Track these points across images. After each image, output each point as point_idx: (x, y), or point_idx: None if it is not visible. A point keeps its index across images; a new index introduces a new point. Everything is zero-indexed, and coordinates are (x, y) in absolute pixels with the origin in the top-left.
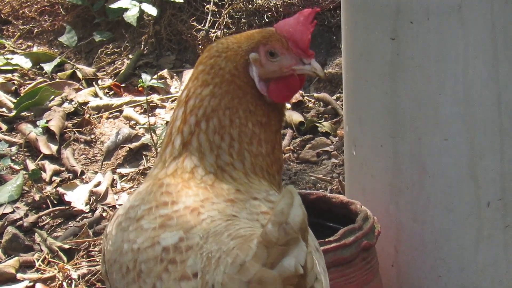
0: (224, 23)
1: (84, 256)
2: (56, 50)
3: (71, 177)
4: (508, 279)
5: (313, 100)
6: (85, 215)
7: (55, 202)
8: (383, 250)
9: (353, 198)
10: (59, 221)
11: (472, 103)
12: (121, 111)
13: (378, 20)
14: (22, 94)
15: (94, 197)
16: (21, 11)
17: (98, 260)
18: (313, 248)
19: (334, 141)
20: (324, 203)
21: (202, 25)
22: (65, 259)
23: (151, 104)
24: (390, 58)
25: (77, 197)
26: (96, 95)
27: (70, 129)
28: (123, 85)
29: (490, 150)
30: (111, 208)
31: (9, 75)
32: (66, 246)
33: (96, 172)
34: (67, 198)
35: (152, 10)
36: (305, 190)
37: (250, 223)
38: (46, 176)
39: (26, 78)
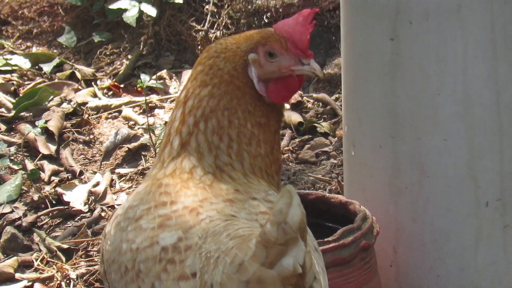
0: (223, 23)
1: (83, 256)
2: (55, 51)
3: (70, 177)
4: (508, 279)
5: (312, 101)
6: (84, 215)
7: (53, 202)
8: (382, 250)
9: (352, 198)
10: (58, 221)
11: (471, 103)
12: (120, 112)
13: (378, 21)
14: (21, 95)
15: (93, 197)
16: (20, 12)
17: (96, 260)
18: (312, 248)
19: (333, 141)
20: (323, 203)
21: (202, 25)
22: (63, 259)
23: (150, 105)
24: (390, 58)
25: (76, 197)
26: (95, 95)
27: (69, 129)
28: (122, 85)
29: (489, 150)
30: (109, 208)
31: (8, 76)
32: (65, 246)
33: (95, 172)
34: (65, 198)
35: (151, 11)
36: (304, 190)
37: (249, 223)
38: (45, 176)
39: (25, 78)
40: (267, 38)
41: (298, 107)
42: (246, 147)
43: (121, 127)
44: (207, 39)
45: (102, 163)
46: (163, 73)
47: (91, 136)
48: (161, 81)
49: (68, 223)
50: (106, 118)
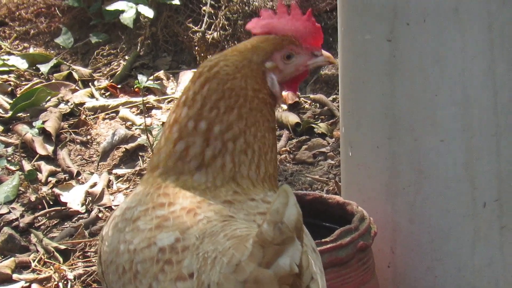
0: (220, 24)
1: (80, 257)
2: (52, 52)
3: (67, 177)
4: (505, 280)
5: (309, 101)
6: (81, 215)
7: (51, 202)
8: (379, 250)
9: (349, 199)
10: (55, 222)
11: (469, 104)
12: (117, 112)
13: (375, 22)
14: (18, 95)
15: (90, 198)
16: (17, 13)
17: (94, 260)
18: (309, 249)
19: (330, 142)
20: (320, 204)
21: (199, 26)
22: (61, 259)
23: (147, 105)
24: (387, 59)
25: (73, 197)
26: (92, 96)
27: (66, 130)
28: (119, 86)
29: (486, 151)
30: (107, 209)
31: (5, 76)
32: (62, 247)
33: (92, 173)
34: (63, 198)
35: (148, 12)
36: (301, 191)
37: (246, 224)
38: (42, 176)
39: (23, 79)
40: (281, 43)
41: (295, 107)
42: (264, 156)
43: (118, 128)
44: (204, 40)
45: (100, 163)
46: (160, 73)
47: (88, 137)
48: (158, 81)
49: (66, 223)
50: (103, 119)
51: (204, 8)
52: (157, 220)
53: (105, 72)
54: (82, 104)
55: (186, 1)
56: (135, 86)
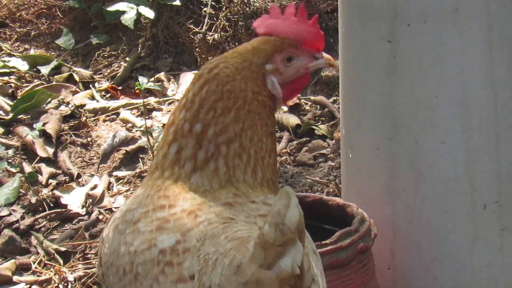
0: (221, 26)
1: (80, 259)
2: (53, 53)
3: (67, 180)
4: (504, 281)
5: (309, 103)
6: (82, 218)
7: (51, 205)
8: (379, 252)
9: (349, 200)
10: (56, 224)
11: (469, 105)
12: (117, 114)
13: (376, 23)
14: (19, 97)
15: (91, 200)
16: (18, 14)
17: (94, 262)
18: (310, 251)
19: (330, 143)
20: (320, 205)
21: (199, 28)
22: (61, 261)
23: (148, 107)
24: (387, 60)
25: (74, 200)
26: (93, 97)
27: (67, 132)
28: (120, 87)
29: (486, 152)
30: (107, 211)
31: (6, 78)
32: (63, 249)
33: (92, 175)
34: (63, 201)
35: (149, 13)
36: (301, 192)
37: (247, 226)
38: (42, 179)
39: (23, 80)
40: (281, 45)
41: (296, 109)
42: (261, 161)
43: (119, 130)
44: (205, 42)
45: (100, 165)
46: (161, 75)
47: (89, 139)
48: (159, 83)
49: (66, 226)
50: (104, 121)
51: (205, 9)
52: (158, 222)
53: (105, 73)
54: (82, 106)
55: (187, 2)
56: (136, 87)
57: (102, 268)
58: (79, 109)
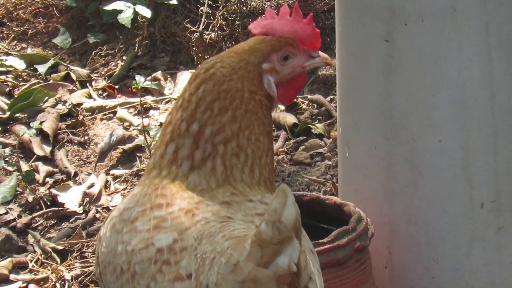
0: (218, 25)
1: (77, 257)
2: (50, 52)
3: (64, 178)
4: (501, 280)
5: (306, 102)
6: (79, 216)
7: (48, 203)
8: (376, 251)
9: (346, 199)
10: (53, 222)
11: (466, 105)
12: (114, 113)
13: (372, 22)
14: (16, 96)
15: (88, 199)
16: (15, 13)
17: (91, 261)
18: (307, 250)
19: (327, 142)
20: (317, 204)
21: (196, 27)
22: (58, 260)
23: (145, 106)
24: (385, 60)
25: (71, 198)
26: (90, 96)
27: (64, 130)
28: (117, 86)
29: (484, 152)
30: (104, 210)
31: (3, 77)
32: (60, 247)
33: (89, 174)
34: (60, 199)
35: (146, 12)
36: (298, 191)
37: (244, 225)
38: (39, 177)
39: (20, 79)
40: (278, 44)
41: (292, 108)
42: (259, 160)
43: (116, 128)
44: (202, 41)
45: (97, 164)
46: (158, 74)
47: (86, 137)
48: (156, 82)
49: (63, 224)
50: (101, 119)
51: (201, 8)
52: (155, 221)
53: (102, 72)
54: (79, 104)
55: (184, 1)
56: (133, 86)
57: (100, 267)
58: (76, 108)
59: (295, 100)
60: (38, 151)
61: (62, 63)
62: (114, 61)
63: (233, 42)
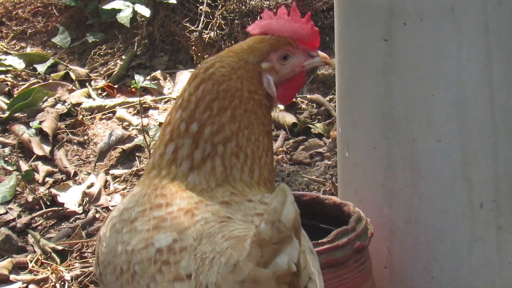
0: (217, 24)
1: (77, 258)
2: (49, 51)
3: (64, 178)
4: (501, 280)
5: (306, 102)
6: (78, 216)
7: (48, 203)
8: (376, 251)
9: (346, 199)
10: (52, 222)
11: (465, 105)
12: (114, 112)
13: (371, 21)
14: (15, 95)
15: (87, 198)
16: (14, 12)
17: (91, 261)
18: (307, 249)
19: (327, 142)
20: (317, 204)
21: (195, 26)
22: (58, 260)
23: (144, 105)
24: (384, 59)
25: (70, 198)
26: (89, 96)
27: (63, 130)
28: (116, 86)
29: (483, 152)
30: (104, 210)
31: (2, 76)
32: (59, 248)
33: (89, 173)
34: (60, 199)
35: (145, 11)
36: (298, 191)
37: (244, 225)
38: (39, 177)
39: (19, 79)
40: (277, 44)
41: (292, 108)
42: (258, 160)
43: (115, 128)
44: (201, 40)
45: (96, 164)
46: (157, 73)
47: (85, 137)
48: (155, 81)
49: (63, 224)
50: (100, 119)
51: (200, 7)
52: (155, 221)
53: (102, 72)
54: (79, 104)
55: (183, 0)
56: (132, 86)
57: (99, 267)
58: (76, 108)
59: (294, 99)
60: (37, 151)
61: (61, 62)
62: (113, 60)
63: (232, 41)
